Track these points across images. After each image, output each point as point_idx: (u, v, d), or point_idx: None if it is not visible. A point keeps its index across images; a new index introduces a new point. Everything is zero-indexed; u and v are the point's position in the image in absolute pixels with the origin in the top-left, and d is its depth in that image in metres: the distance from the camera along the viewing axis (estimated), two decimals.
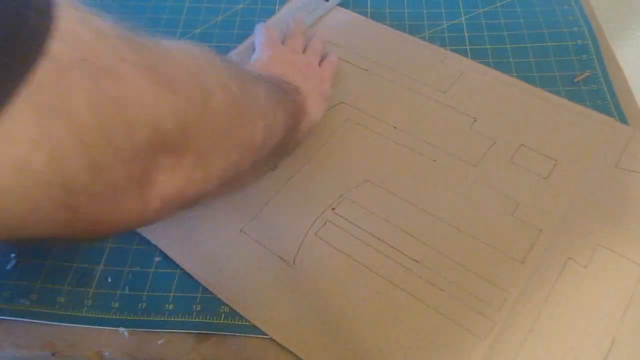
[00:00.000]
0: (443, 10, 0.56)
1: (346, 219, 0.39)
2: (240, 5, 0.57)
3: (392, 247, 0.38)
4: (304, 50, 0.48)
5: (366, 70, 0.49)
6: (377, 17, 0.55)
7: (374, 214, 0.39)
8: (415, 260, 0.37)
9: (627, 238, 0.38)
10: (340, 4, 0.56)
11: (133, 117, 0.20)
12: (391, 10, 0.56)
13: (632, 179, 0.40)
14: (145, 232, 0.39)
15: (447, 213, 0.39)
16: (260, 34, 0.49)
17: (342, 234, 0.38)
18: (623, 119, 0.45)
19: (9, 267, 0.38)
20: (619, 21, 0.82)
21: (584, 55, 0.51)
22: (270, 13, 0.56)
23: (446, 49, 0.51)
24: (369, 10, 0.56)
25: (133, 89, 0.20)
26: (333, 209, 0.40)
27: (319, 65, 0.48)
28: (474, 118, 0.45)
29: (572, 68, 0.50)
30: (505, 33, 0.53)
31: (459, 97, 0.47)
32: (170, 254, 0.38)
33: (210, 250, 0.38)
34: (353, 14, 0.55)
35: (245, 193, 0.41)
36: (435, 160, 0.42)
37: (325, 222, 0.39)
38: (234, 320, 0.35)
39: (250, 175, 0.31)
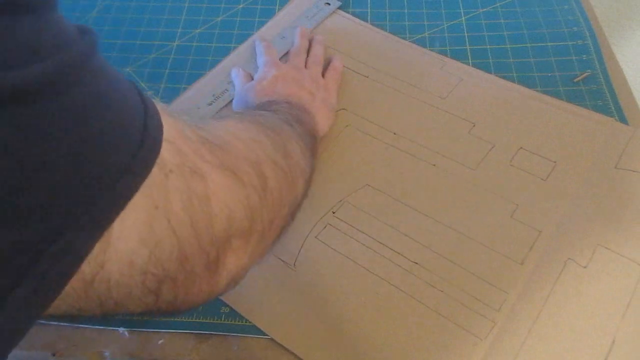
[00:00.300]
0: (443, 11, 0.56)
1: (346, 223, 0.39)
2: (240, 5, 0.57)
3: (392, 249, 0.38)
4: (306, 63, 0.48)
5: (366, 77, 0.49)
6: (377, 17, 0.55)
7: (374, 218, 0.39)
8: (415, 262, 0.37)
9: (627, 238, 0.38)
10: (340, 6, 0.56)
11: (214, 211, 0.22)
12: (391, 11, 0.56)
13: (632, 179, 0.40)
14: None
15: (447, 216, 0.39)
16: (262, 53, 0.49)
17: (342, 237, 0.38)
18: (623, 119, 0.45)
19: None
20: (619, 21, 0.82)
21: (584, 55, 0.51)
22: (270, 13, 0.56)
23: (445, 56, 0.51)
24: (369, 10, 0.56)
25: (213, 186, 0.22)
26: (333, 213, 0.40)
27: (323, 74, 0.48)
28: (472, 123, 0.45)
29: (572, 68, 0.50)
30: (505, 33, 0.53)
31: (457, 102, 0.47)
32: None
33: None
34: (354, 19, 0.55)
35: None
36: (435, 165, 0.42)
37: (326, 226, 0.39)
38: (234, 321, 0.36)
39: (290, 224, 0.32)
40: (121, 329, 0.35)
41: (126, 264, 0.19)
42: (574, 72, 0.49)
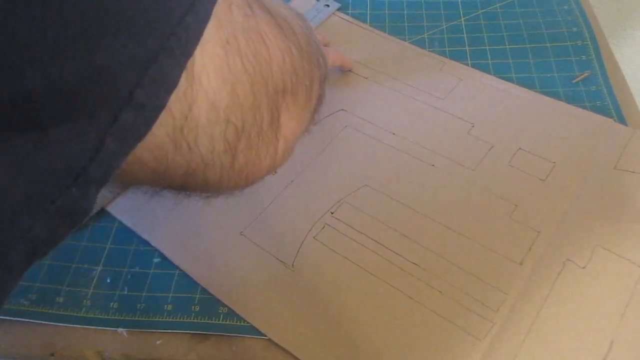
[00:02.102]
0: (442, 12, 0.56)
1: (345, 223, 0.39)
2: None
3: (391, 250, 0.38)
4: None
5: (366, 78, 0.49)
6: (376, 18, 0.55)
7: (373, 218, 0.39)
8: (414, 263, 0.37)
9: (626, 239, 0.37)
10: (340, 8, 0.56)
11: (269, 54, 0.21)
12: (390, 12, 0.56)
13: (631, 180, 0.40)
14: (145, 234, 0.39)
15: (446, 216, 0.39)
16: None
17: (340, 237, 0.39)
18: (622, 120, 0.45)
19: None
20: (619, 21, 0.82)
21: (583, 56, 0.51)
22: None
23: (445, 57, 0.51)
24: (368, 12, 0.56)
25: (265, 27, 0.21)
26: (332, 213, 0.40)
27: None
28: (472, 123, 0.45)
29: (572, 68, 0.50)
30: (504, 34, 0.53)
31: (457, 103, 0.47)
32: (170, 256, 0.38)
33: (209, 252, 0.38)
34: (353, 20, 0.55)
35: (245, 196, 0.41)
36: (433, 165, 0.42)
37: (324, 226, 0.39)
38: (233, 321, 0.36)
39: (321, 102, 0.31)
40: (120, 329, 0.36)
41: (211, 105, 0.19)
42: (573, 72, 0.49)
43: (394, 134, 0.45)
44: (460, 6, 0.56)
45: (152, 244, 0.39)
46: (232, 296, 0.36)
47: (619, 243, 0.37)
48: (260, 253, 0.38)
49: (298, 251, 0.38)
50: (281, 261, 0.37)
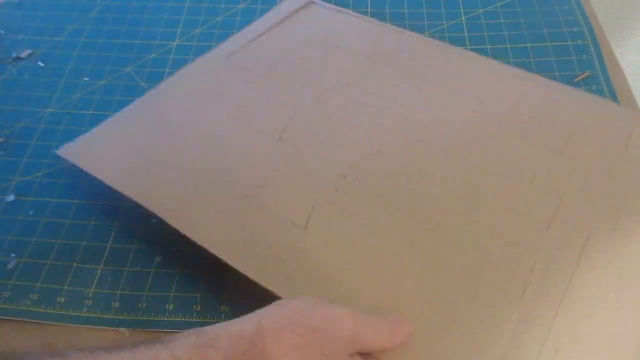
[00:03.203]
0: (443, 10, 0.56)
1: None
2: (240, 5, 0.57)
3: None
4: None
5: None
6: (377, 17, 0.55)
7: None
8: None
9: None
10: (340, 4, 0.56)
11: None
12: (391, 10, 0.56)
13: None
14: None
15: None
16: None
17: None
18: None
19: (9, 267, 0.39)
20: (619, 21, 0.82)
21: (584, 55, 0.51)
22: None
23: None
24: (369, 10, 0.56)
25: None
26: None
27: None
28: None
29: (572, 68, 0.50)
30: (505, 33, 0.53)
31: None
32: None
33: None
34: (355, 14, 0.55)
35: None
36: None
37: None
38: None
39: None
40: (121, 329, 0.36)
41: None
42: (574, 72, 0.49)
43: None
44: (461, 5, 0.56)
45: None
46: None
47: None
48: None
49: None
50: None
